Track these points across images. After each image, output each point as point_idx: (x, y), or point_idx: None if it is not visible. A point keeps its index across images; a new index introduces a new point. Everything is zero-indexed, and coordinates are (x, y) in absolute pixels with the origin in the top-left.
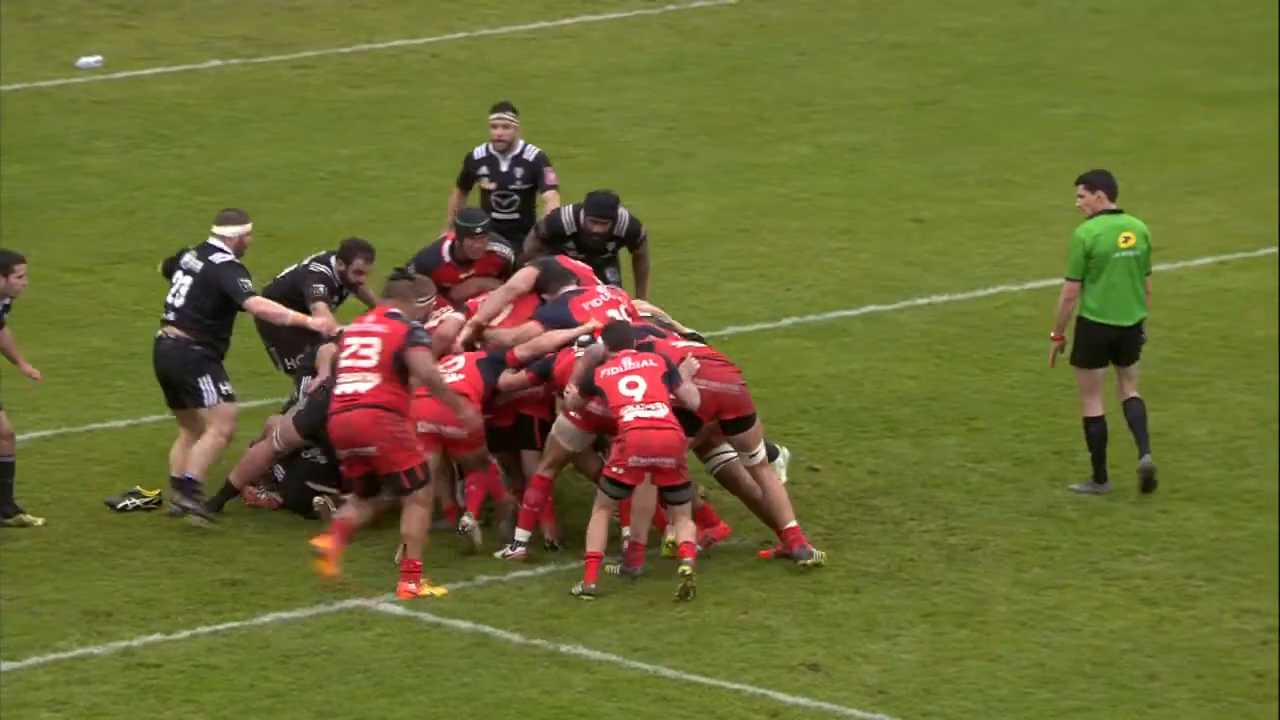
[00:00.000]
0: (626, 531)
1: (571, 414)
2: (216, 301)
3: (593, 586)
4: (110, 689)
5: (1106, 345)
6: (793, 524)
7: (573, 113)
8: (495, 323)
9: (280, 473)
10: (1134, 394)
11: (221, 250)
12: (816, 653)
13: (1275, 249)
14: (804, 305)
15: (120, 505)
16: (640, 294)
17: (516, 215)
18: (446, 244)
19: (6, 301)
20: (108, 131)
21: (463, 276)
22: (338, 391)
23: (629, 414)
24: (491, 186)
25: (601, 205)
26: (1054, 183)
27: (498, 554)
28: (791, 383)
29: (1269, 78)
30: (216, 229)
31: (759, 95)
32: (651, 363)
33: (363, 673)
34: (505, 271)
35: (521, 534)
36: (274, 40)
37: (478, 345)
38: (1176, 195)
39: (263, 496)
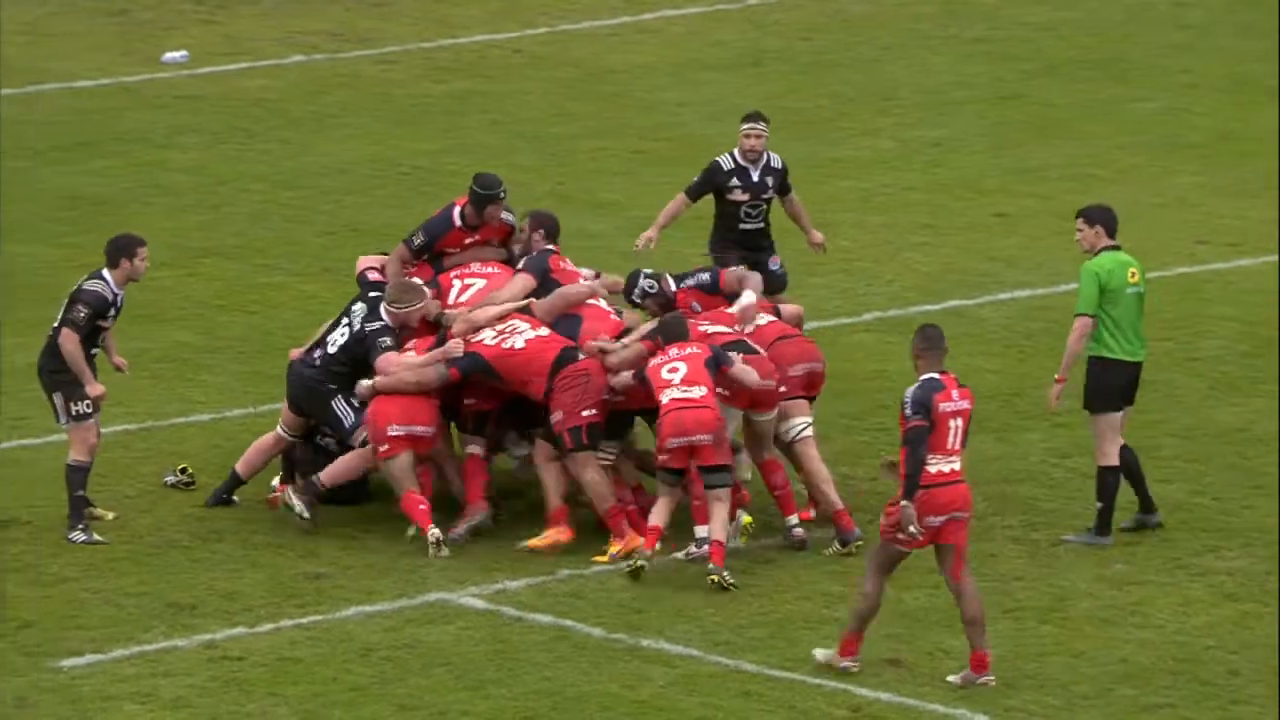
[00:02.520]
0: (702, 531)
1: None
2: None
3: (648, 553)
4: (194, 681)
5: (1123, 385)
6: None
7: (653, 107)
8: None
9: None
10: (1122, 441)
11: (383, 320)
12: (898, 648)
13: None
14: (885, 300)
15: (167, 480)
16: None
17: (762, 224)
18: (457, 209)
19: (119, 293)
20: (192, 126)
21: (468, 241)
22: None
23: (665, 397)
24: (744, 197)
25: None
26: (1136, 178)
27: (682, 554)
28: (873, 378)
29: None
30: (388, 306)
31: (840, 90)
32: (695, 349)
33: (444, 666)
34: (509, 237)
35: (702, 530)
36: (357, 35)
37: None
38: (1255, 189)
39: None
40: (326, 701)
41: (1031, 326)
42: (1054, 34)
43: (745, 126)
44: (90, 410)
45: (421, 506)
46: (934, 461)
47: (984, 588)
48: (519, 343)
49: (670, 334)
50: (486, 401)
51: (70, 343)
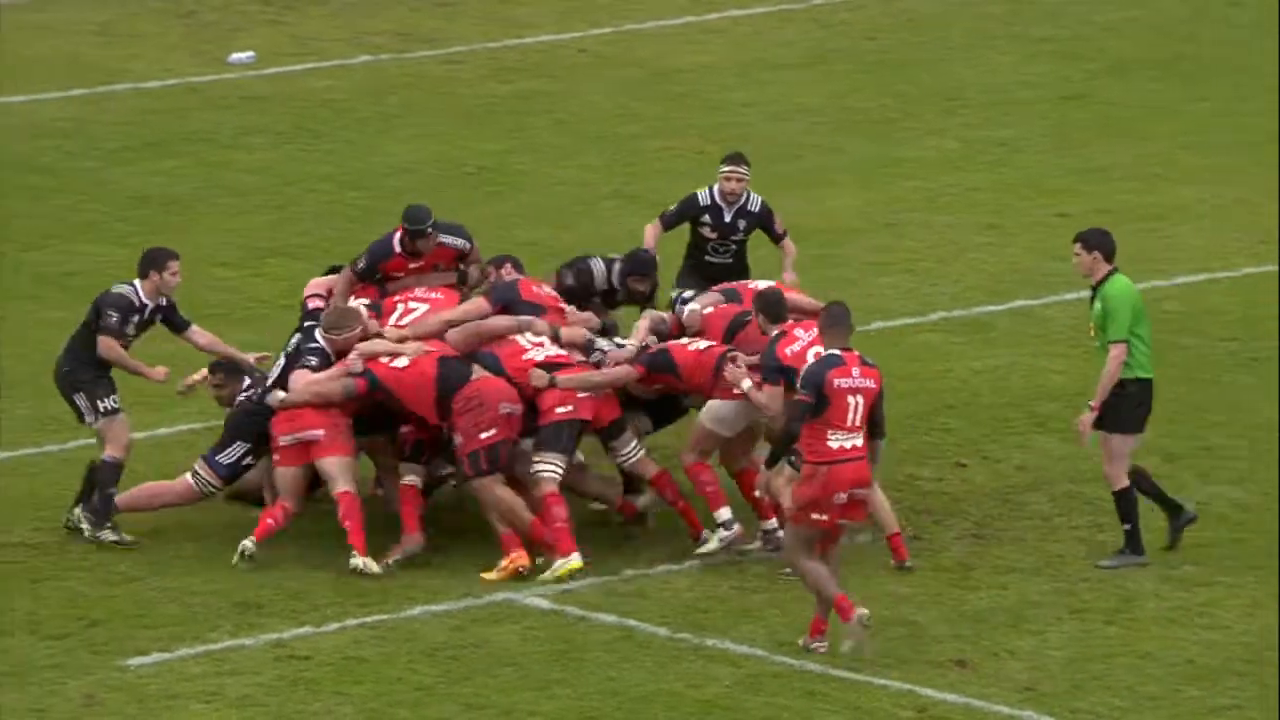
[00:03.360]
0: (724, 513)
1: (733, 390)
2: None
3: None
4: (261, 680)
5: (1149, 406)
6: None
7: (718, 107)
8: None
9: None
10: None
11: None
12: (964, 648)
13: None
14: (950, 300)
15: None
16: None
17: (730, 260)
18: (397, 236)
19: (162, 301)
20: (258, 127)
21: (412, 266)
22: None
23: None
24: (713, 236)
25: (642, 263)
26: (1201, 178)
27: (711, 544)
28: (937, 378)
29: None
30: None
31: (905, 89)
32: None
33: (510, 666)
34: (461, 259)
35: (723, 512)
36: (423, 35)
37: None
38: None
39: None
40: (392, 700)
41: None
42: (1119, 34)
43: (725, 169)
44: (118, 406)
45: (269, 521)
46: (835, 437)
47: (1051, 589)
48: (403, 361)
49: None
50: (423, 430)
51: (108, 349)
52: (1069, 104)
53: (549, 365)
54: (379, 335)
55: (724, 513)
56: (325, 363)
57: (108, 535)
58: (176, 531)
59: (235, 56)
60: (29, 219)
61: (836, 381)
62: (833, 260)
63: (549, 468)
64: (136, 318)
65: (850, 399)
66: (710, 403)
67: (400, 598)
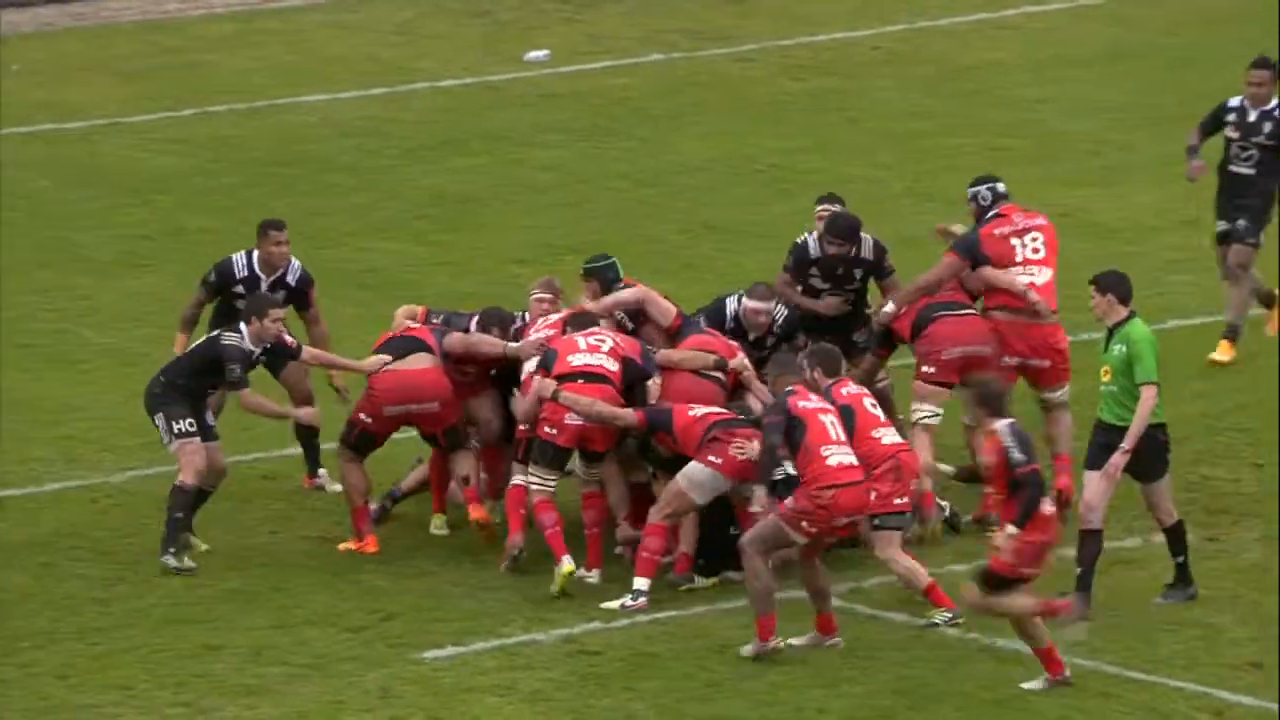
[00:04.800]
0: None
1: (712, 459)
2: None
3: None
4: (553, 675)
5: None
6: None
7: (1011, 104)
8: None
9: None
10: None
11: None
12: (1261, 651)
13: None
14: None
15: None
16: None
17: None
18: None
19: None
20: (554, 125)
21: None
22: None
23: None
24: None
25: (842, 228)
26: None
27: (613, 604)
28: (1232, 376)
29: None
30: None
31: (1204, 86)
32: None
33: (801, 663)
34: None
35: (642, 583)
36: (715, 33)
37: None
38: None
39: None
40: (682, 696)
41: None
42: None
43: (819, 209)
44: (193, 429)
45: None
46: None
47: None
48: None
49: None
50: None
51: (247, 401)
52: None
53: (583, 374)
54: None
55: (641, 583)
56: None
57: (169, 561)
58: (465, 528)
59: (531, 55)
60: (328, 216)
61: (801, 404)
62: (1128, 258)
63: (538, 483)
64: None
65: (823, 418)
66: (690, 465)
67: (691, 595)
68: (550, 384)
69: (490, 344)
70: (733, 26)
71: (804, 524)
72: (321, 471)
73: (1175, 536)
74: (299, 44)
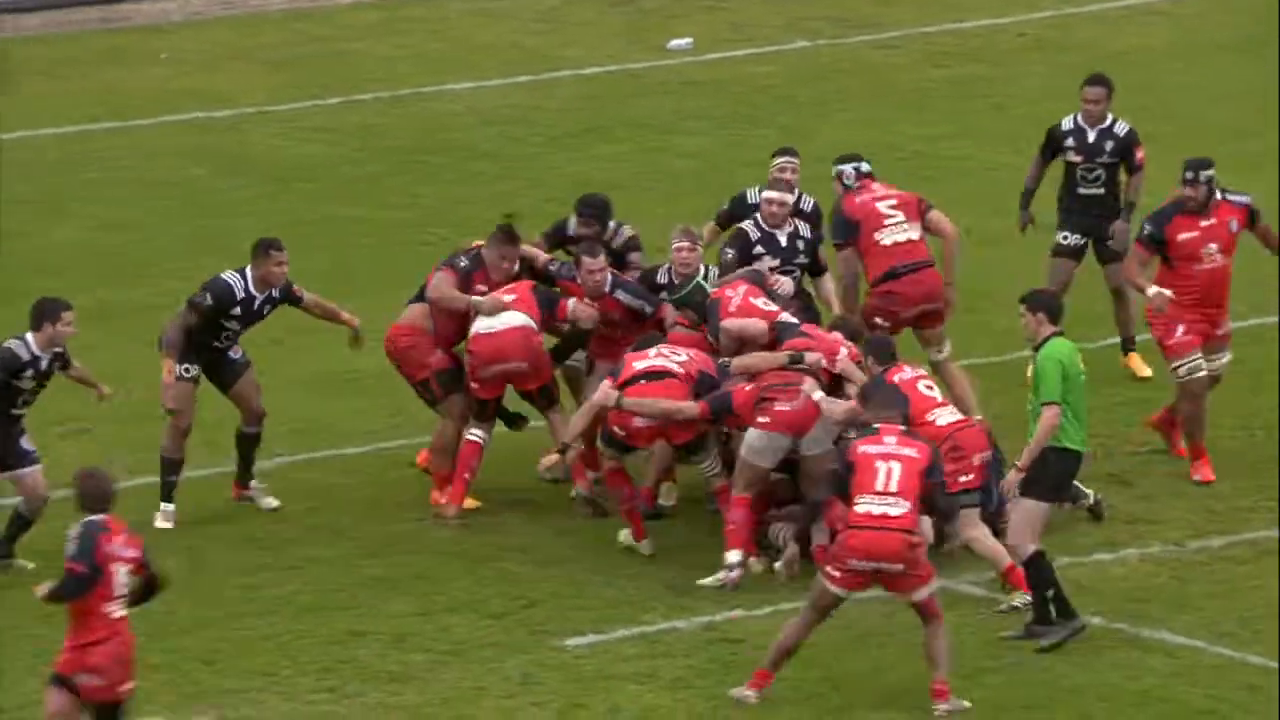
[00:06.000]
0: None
1: (761, 419)
2: None
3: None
4: (693, 663)
5: (1072, 476)
6: None
7: (1160, 90)
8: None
9: None
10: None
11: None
12: None
13: None
14: None
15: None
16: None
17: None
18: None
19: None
20: (696, 112)
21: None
22: None
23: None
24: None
25: (589, 204)
26: None
27: (709, 581)
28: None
29: None
30: None
31: None
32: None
33: None
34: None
35: (734, 555)
36: (860, 20)
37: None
38: None
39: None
40: (822, 686)
41: None
42: None
43: (780, 161)
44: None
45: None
46: (862, 501)
47: None
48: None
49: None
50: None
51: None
52: None
53: (646, 375)
54: None
55: (733, 555)
56: None
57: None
58: (614, 516)
59: (674, 43)
60: (473, 204)
61: (862, 449)
62: None
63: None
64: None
65: (880, 465)
66: (747, 433)
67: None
68: (613, 393)
69: (457, 299)
70: (877, 14)
71: (829, 570)
72: (253, 484)
73: (1036, 571)
74: (444, 32)
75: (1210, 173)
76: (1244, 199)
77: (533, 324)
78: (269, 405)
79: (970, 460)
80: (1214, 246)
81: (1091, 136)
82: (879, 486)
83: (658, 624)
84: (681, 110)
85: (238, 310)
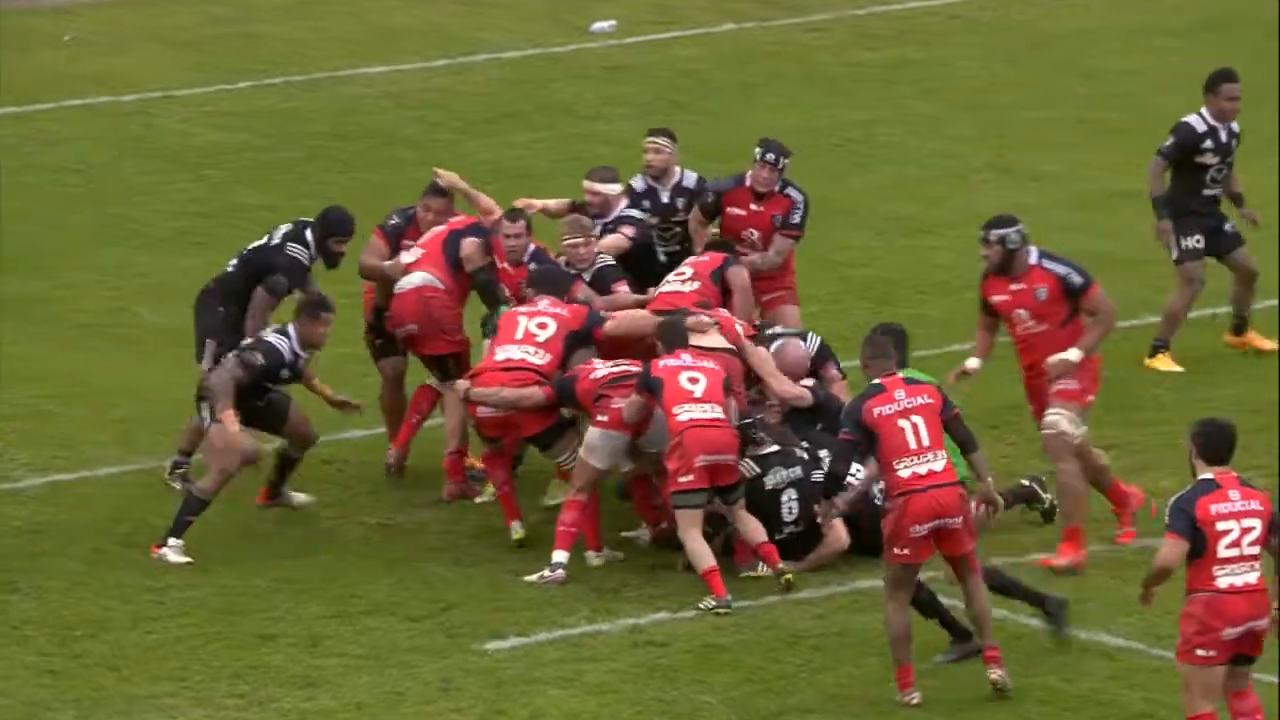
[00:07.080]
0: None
1: (599, 418)
2: None
3: (727, 599)
4: (618, 666)
5: None
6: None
7: (1100, 75)
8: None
9: None
10: None
11: None
12: None
13: None
14: None
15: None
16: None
17: (677, 247)
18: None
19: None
20: (619, 98)
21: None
22: None
23: (683, 414)
24: (655, 220)
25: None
26: None
27: (533, 577)
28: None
29: None
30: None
31: None
32: (712, 364)
33: (877, 655)
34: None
35: (560, 555)
36: (788, 3)
37: None
38: None
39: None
40: (752, 689)
41: None
42: None
43: (648, 140)
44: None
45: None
46: (903, 465)
47: None
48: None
49: (671, 339)
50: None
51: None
52: None
53: (506, 367)
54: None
55: (559, 555)
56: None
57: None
58: (536, 513)
59: (597, 25)
60: (389, 191)
61: (877, 410)
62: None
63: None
64: None
65: (901, 422)
66: (587, 432)
67: (760, 586)
68: (462, 384)
69: (375, 269)
70: None
71: (895, 550)
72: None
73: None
74: (359, 14)
75: (1003, 232)
76: (1059, 268)
77: (434, 281)
78: (175, 398)
79: (693, 461)
80: (1023, 313)
81: (1224, 136)
82: (912, 445)
83: (581, 627)
84: (605, 95)
85: (286, 374)
